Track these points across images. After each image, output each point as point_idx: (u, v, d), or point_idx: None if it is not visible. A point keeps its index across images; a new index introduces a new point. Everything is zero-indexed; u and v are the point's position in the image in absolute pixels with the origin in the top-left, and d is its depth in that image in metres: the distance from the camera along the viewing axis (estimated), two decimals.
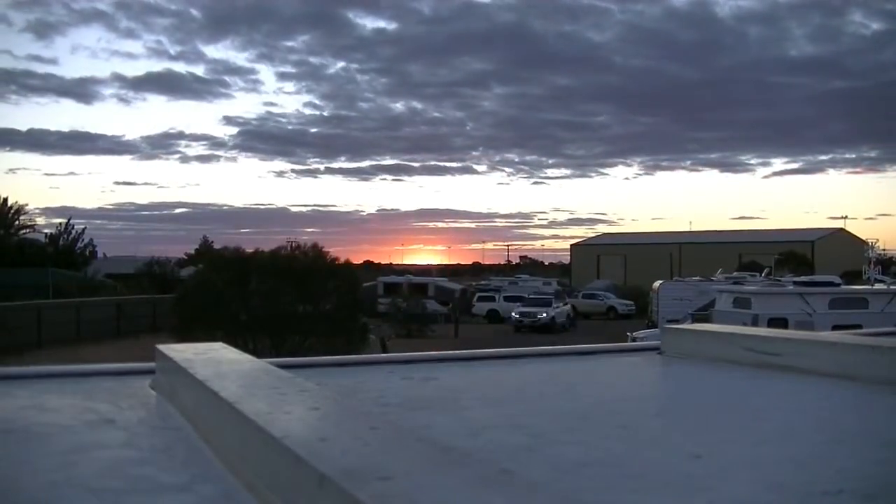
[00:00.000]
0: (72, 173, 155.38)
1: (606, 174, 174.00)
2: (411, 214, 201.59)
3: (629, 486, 1.51)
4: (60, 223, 61.94)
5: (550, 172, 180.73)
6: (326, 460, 1.09)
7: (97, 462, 1.55)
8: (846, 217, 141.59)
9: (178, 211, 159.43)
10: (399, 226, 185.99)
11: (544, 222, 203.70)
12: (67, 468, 1.50)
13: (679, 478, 1.56)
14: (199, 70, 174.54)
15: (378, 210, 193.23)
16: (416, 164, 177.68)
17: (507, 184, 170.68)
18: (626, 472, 1.60)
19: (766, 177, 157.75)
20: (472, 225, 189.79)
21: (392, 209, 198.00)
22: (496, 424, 2.00)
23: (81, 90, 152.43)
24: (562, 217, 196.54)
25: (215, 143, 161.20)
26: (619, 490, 1.48)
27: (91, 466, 1.52)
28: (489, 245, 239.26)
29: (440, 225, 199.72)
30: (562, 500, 1.11)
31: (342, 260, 33.64)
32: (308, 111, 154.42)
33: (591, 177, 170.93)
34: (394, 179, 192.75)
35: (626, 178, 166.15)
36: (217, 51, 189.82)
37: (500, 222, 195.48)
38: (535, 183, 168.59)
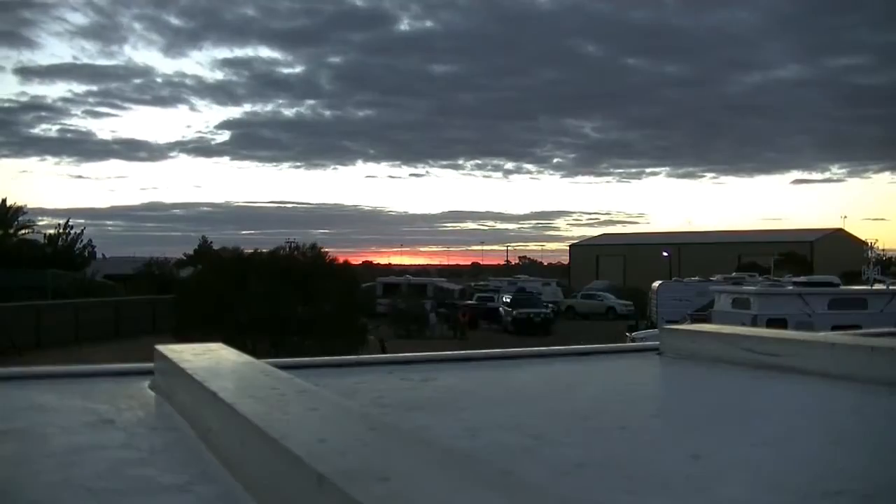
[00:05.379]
0: (71, 175, 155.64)
1: (638, 179, 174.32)
2: (432, 216, 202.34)
3: (628, 486, 1.51)
4: (59, 224, 61.93)
5: (580, 178, 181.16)
6: (325, 461, 1.09)
7: (96, 463, 1.55)
8: (846, 217, 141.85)
9: (177, 212, 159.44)
10: (415, 226, 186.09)
11: (559, 226, 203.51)
12: (67, 469, 1.50)
13: (678, 478, 1.56)
14: (200, 70, 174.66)
15: (399, 209, 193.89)
16: (440, 164, 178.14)
17: (528, 184, 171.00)
18: (626, 472, 1.60)
19: (794, 181, 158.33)
20: (500, 226, 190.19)
21: (416, 211, 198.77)
22: (495, 425, 2.00)
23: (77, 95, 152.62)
24: (586, 219, 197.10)
25: (216, 142, 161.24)
26: (619, 491, 1.48)
27: (90, 467, 1.52)
28: (495, 246, 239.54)
29: (459, 226, 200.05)
30: (561, 501, 1.11)
31: (341, 260, 33.74)
32: (310, 112, 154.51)
33: (628, 182, 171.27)
34: (411, 176, 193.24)
35: (656, 184, 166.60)
36: (211, 53, 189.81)
37: (525, 223, 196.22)
38: (561, 184, 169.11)
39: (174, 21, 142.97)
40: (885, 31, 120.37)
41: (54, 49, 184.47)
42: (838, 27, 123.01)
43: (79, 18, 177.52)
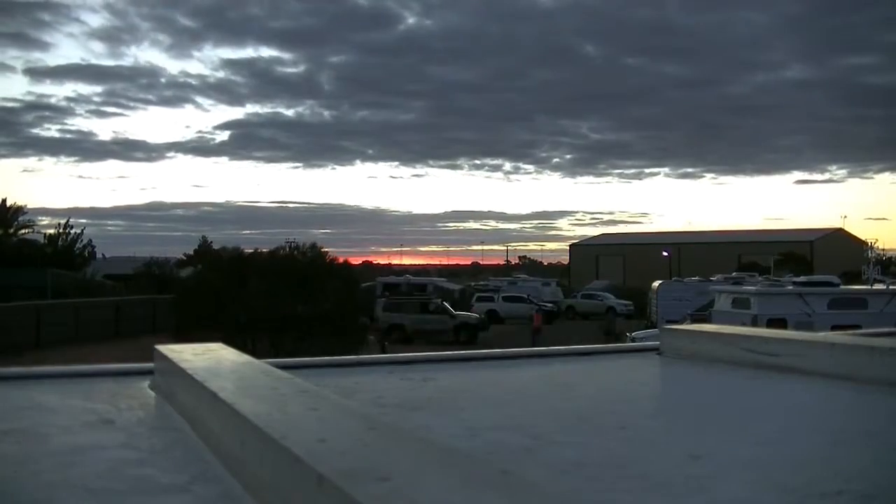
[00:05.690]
0: (76, 175, 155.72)
1: (639, 180, 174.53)
2: (434, 216, 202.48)
3: (628, 486, 1.51)
4: (59, 224, 61.93)
5: (582, 178, 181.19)
6: (325, 461, 1.09)
7: (96, 463, 1.55)
8: (846, 217, 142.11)
9: (178, 212, 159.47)
10: (416, 226, 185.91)
11: (561, 226, 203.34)
12: (66, 469, 1.50)
13: (678, 478, 1.56)
14: (202, 70, 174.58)
15: (402, 209, 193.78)
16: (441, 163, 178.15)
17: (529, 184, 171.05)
18: (626, 472, 1.60)
19: (797, 182, 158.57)
20: (503, 226, 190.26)
21: (418, 211, 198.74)
22: (495, 425, 2.00)
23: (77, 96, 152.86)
24: (588, 219, 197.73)
25: (218, 142, 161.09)
26: (619, 490, 1.48)
27: (90, 467, 1.52)
28: (495, 246, 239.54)
29: (461, 226, 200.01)
30: (561, 501, 1.11)
31: (341, 260, 33.74)
32: (311, 112, 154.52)
33: (630, 182, 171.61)
34: (413, 176, 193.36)
35: (658, 185, 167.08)
36: (209, 54, 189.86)
37: (527, 223, 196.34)
38: (562, 184, 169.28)
39: (181, 21, 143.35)
40: (889, 30, 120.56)
41: (66, 50, 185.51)
42: (841, 27, 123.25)
43: (96, 20, 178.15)
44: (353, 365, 2.90)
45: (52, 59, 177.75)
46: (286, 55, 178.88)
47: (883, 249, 42.67)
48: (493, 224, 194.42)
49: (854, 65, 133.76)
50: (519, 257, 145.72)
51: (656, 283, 40.60)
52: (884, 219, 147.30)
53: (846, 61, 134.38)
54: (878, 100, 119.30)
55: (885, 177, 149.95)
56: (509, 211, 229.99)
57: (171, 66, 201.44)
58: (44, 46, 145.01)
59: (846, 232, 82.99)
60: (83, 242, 62.46)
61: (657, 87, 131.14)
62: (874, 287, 29.47)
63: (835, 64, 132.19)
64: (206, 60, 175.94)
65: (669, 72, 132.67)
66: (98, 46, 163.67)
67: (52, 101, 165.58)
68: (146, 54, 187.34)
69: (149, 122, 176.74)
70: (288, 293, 27.25)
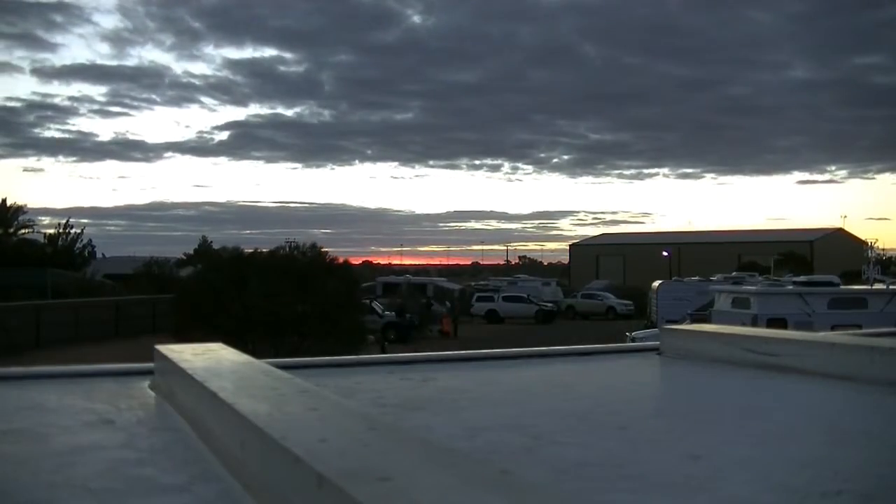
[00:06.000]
0: (78, 175, 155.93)
1: (640, 180, 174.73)
2: (436, 215, 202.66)
3: (628, 486, 1.51)
4: (59, 223, 61.92)
5: (584, 178, 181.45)
6: (325, 461, 1.09)
7: (96, 463, 1.55)
8: (846, 217, 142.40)
9: (179, 212, 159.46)
10: (417, 226, 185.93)
11: (563, 226, 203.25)
12: (66, 469, 1.50)
13: (678, 478, 1.56)
14: (205, 70, 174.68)
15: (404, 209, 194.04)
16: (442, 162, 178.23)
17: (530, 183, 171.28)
18: (626, 472, 1.60)
19: (799, 182, 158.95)
20: (504, 226, 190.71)
21: (420, 211, 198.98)
22: (495, 425, 2.00)
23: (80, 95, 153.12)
24: (590, 219, 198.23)
25: (220, 142, 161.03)
26: (619, 490, 1.48)
27: (90, 467, 1.52)
28: (495, 246, 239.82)
29: (462, 226, 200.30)
30: (561, 501, 1.11)
31: (341, 260, 33.75)
32: (313, 112, 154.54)
33: (632, 182, 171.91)
34: (416, 177, 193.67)
35: (660, 185, 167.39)
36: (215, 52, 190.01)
37: (528, 223, 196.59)
38: (564, 184, 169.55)
39: (187, 21, 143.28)
40: (891, 30, 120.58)
41: (74, 51, 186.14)
42: (842, 27, 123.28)
43: (109, 21, 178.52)
44: (353, 365, 2.90)
45: (59, 59, 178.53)
46: (287, 55, 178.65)
47: (883, 249, 42.65)
48: (493, 224, 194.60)
49: (855, 65, 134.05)
50: (519, 257, 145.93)
51: (656, 283, 40.56)
52: (884, 219, 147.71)
53: (847, 61, 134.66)
54: (878, 100, 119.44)
55: (886, 177, 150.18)
56: (510, 211, 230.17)
57: (176, 66, 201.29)
58: (51, 47, 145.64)
59: (846, 232, 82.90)
60: (83, 242, 62.50)
61: (657, 87, 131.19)
62: (874, 287, 29.44)
63: (835, 64, 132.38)
64: (209, 60, 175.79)
65: (669, 72, 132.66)
66: (104, 47, 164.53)
67: (57, 101, 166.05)
68: (151, 54, 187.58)
69: (152, 123, 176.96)
70: (288, 293, 27.23)
